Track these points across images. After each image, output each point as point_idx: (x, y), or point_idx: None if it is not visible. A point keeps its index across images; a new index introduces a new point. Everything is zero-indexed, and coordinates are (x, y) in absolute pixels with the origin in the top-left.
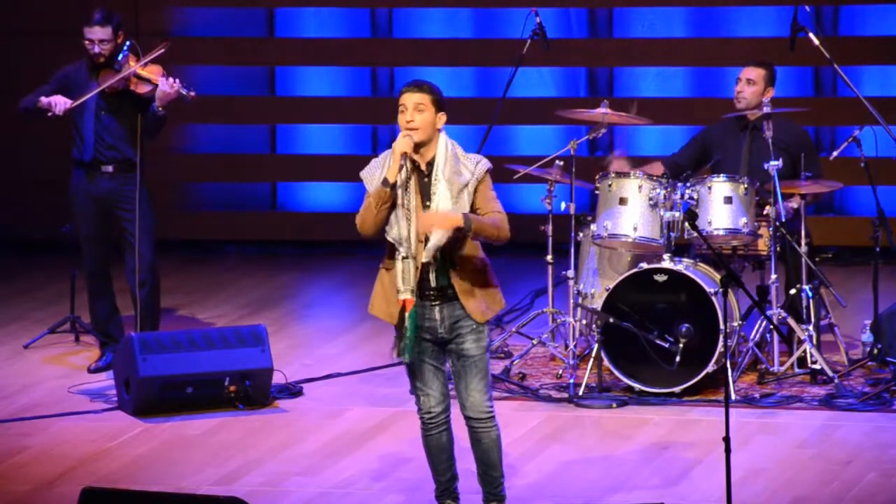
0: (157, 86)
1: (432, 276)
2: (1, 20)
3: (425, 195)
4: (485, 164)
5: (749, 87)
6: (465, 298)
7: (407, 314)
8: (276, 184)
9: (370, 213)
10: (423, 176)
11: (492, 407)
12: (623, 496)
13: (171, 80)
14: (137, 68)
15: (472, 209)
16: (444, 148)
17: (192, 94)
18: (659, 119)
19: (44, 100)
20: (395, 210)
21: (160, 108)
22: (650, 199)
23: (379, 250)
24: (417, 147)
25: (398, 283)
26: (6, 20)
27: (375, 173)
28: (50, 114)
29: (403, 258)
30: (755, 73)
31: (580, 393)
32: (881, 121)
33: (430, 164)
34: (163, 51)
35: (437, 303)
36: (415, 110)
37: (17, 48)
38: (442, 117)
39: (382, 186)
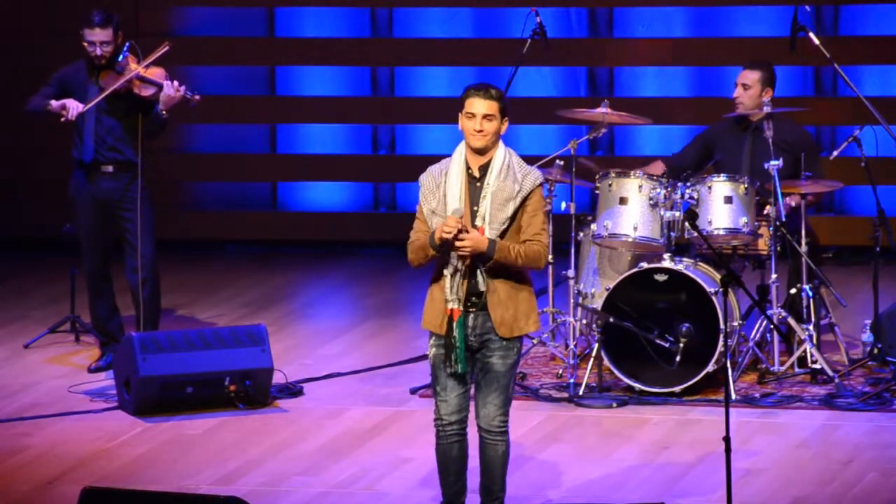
0: (161, 89)
1: (474, 282)
2: (1, 20)
3: (474, 201)
4: (536, 177)
5: (745, 91)
6: (494, 310)
7: (455, 323)
8: (276, 184)
9: (420, 257)
10: (475, 181)
11: (505, 423)
12: (623, 496)
13: (175, 83)
14: (140, 70)
15: (518, 224)
16: (502, 156)
17: (197, 97)
18: (659, 119)
19: (55, 103)
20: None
21: (164, 112)
22: (650, 198)
23: (378, 250)
24: (479, 153)
25: (447, 292)
26: (6, 20)
27: (431, 194)
28: (63, 118)
29: (454, 267)
30: (750, 77)
31: (580, 393)
32: (881, 121)
33: (484, 168)
34: (165, 50)
35: (473, 310)
36: (484, 119)
37: (17, 48)
38: (506, 123)
39: (430, 246)
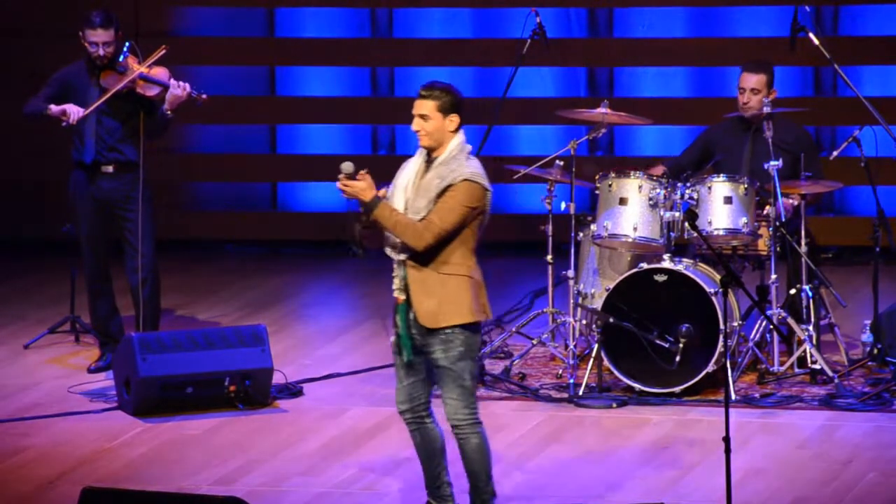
0: (166, 89)
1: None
2: (1, 20)
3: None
4: (463, 175)
5: (755, 96)
6: (415, 299)
7: (397, 312)
8: (277, 184)
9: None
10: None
11: (471, 415)
12: (623, 496)
13: (180, 83)
14: (144, 69)
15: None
16: (447, 152)
17: (204, 96)
18: (659, 119)
19: (55, 108)
20: None
21: (169, 112)
22: (650, 199)
23: (378, 250)
24: (429, 151)
25: (393, 282)
26: (6, 20)
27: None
28: (64, 123)
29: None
30: (759, 80)
31: (580, 393)
32: (881, 121)
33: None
34: (162, 53)
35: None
36: (420, 119)
37: (17, 48)
38: (453, 120)
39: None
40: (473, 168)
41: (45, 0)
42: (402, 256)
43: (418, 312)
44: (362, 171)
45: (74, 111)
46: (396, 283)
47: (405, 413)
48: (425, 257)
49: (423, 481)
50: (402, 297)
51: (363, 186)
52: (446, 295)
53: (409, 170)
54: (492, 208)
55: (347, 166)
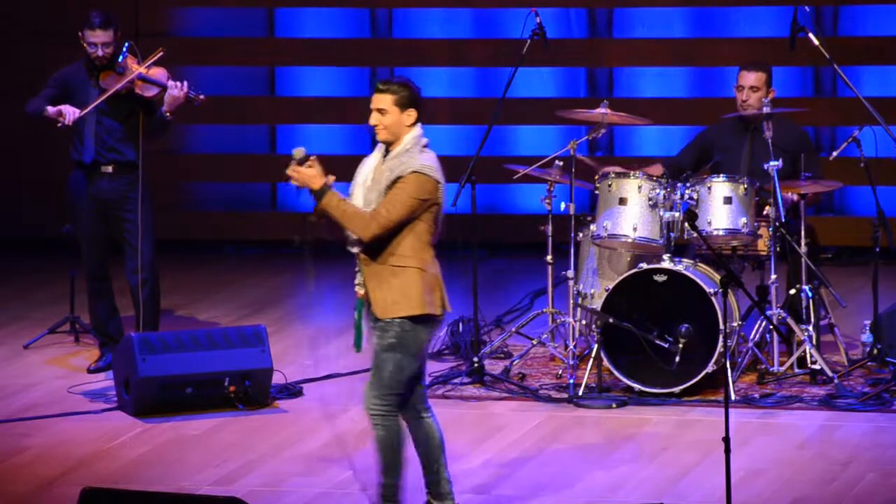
0: (164, 89)
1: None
2: (1, 20)
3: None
4: (412, 167)
5: (755, 93)
6: (370, 290)
7: (357, 306)
8: (276, 184)
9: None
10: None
11: (378, 407)
12: (623, 496)
13: (179, 84)
14: (142, 69)
15: None
16: (401, 146)
17: (202, 97)
18: (658, 119)
19: (51, 109)
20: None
21: (168, 114)
22: (650, 199)
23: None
24: (386, 146)
25: (356, 277)
26: (6, 20)
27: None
28: (60, 124)
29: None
30: (758, 79)
31: (580, 393)
32: (881, 121)
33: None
34: (160, 55)
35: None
36: (376, 113)
37: (17, 48)
38: (411, 114)
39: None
40: (424, 161)
41: (46, 0)
42: (356, 250)
43: (373, 303)
44: (312, 157)
45: (70, 112)
46: (358, 279)
47: (402, 408)
48: (376, 250)
49: (423, 479)
50: (362, 291)
51: (312, 174)
52: (398, 286)
53: (368, 166)
54: (492, 208)
55: (298, 152)
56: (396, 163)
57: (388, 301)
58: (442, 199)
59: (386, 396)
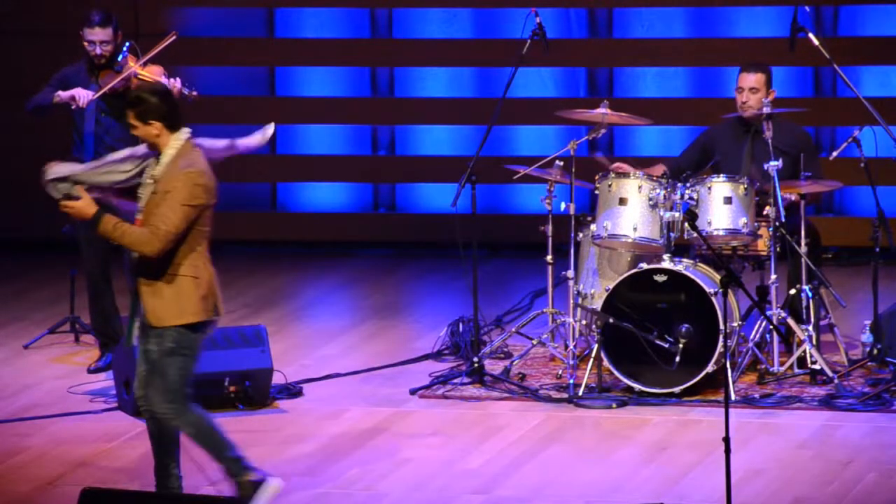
0: None
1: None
2: (1, 20)
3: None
4: (177, 176)
5: (755, 94)
6: (143, 299)
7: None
8: (276, 184)
9: None
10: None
11: (170, 411)
12: (623, 496)
13: (172, 80)
14: (137, 68)
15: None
16: (167, 154)
17: (195, 93)
18: (658, 119)
19: (63, 94)
20: None
21: None
22: (650, 199)
23: (377, 250)
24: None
25: None
26: (6, 20)
27: None
28: (74, 106)
29: None
30: (758, 80)
31: (580, 393)
32: (881, 121)
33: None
34: (172, 39)
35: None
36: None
37: (17, 48)
38: (154, 126)
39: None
40: (189, 167)
41: (45, 0)
42: (134, 254)
43: (147, 311)
44: (78, 186)
45: (83, 95)
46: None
47: (139, 400)
48: (148, 258)
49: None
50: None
51: (82, 205)
52: (170, 297)
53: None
54: (492, 208)
55: (64, 188)
56: (162, 173)
57: (163, 310)
58: (212, 201)
59: (175, 398)
